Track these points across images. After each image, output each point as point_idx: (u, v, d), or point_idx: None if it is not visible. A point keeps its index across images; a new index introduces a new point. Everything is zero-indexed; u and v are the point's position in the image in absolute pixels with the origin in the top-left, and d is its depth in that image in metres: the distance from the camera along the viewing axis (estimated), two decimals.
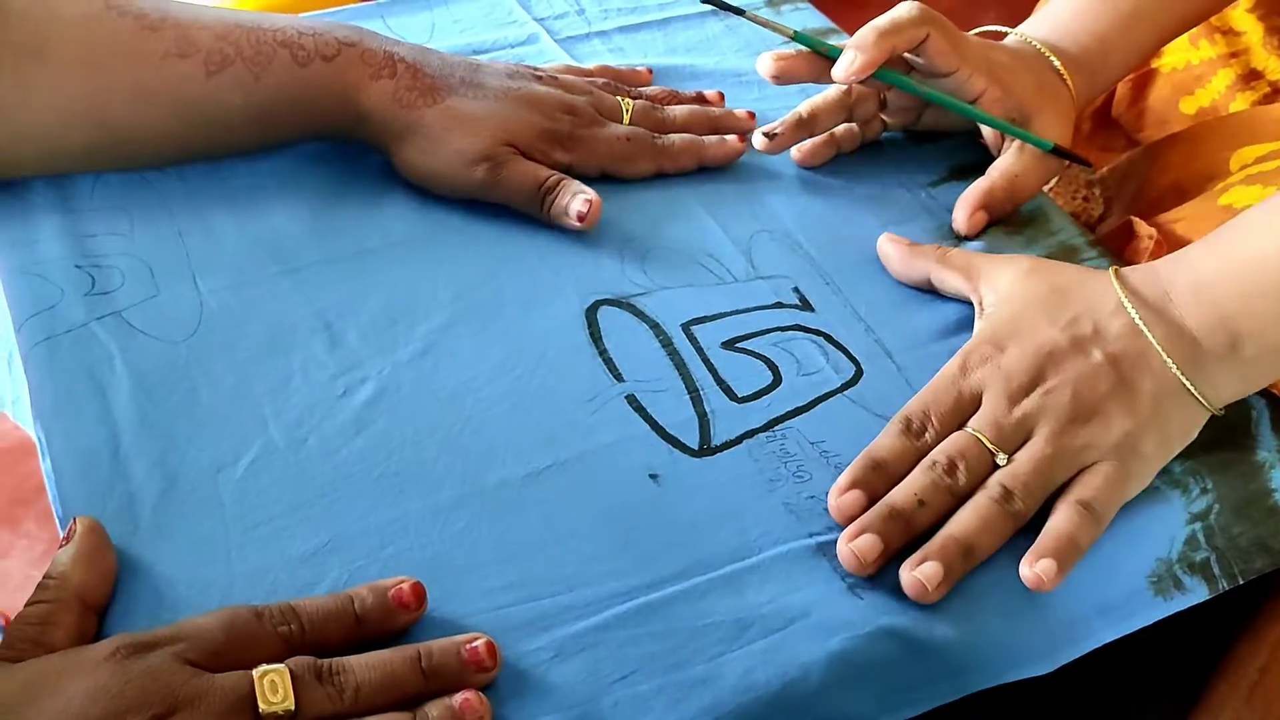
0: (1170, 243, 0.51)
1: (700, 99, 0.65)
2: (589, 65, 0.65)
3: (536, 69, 0.61)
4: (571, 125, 0.57)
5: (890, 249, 0.56)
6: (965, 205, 0.58)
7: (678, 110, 0.62)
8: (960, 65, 0.57)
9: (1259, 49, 0.68)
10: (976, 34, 0.61)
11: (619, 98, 0.61)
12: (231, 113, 0.53)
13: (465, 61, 0.57)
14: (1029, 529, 0.44)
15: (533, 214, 0.55)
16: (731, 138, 0.60)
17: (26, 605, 0.36)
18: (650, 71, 0.67)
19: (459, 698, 0.36)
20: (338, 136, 0.56)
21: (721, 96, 0.65)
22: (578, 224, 0.54)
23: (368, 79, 0.54)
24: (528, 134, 0.55)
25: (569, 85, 0.60)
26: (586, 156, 0.58)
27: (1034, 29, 0.62)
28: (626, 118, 0.60)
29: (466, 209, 0.56)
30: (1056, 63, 0.59)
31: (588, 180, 0.57)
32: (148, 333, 0.48)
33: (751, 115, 0.63)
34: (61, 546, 0.38)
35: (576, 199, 0.54)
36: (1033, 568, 0.42)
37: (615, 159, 0.58)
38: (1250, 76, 0.68)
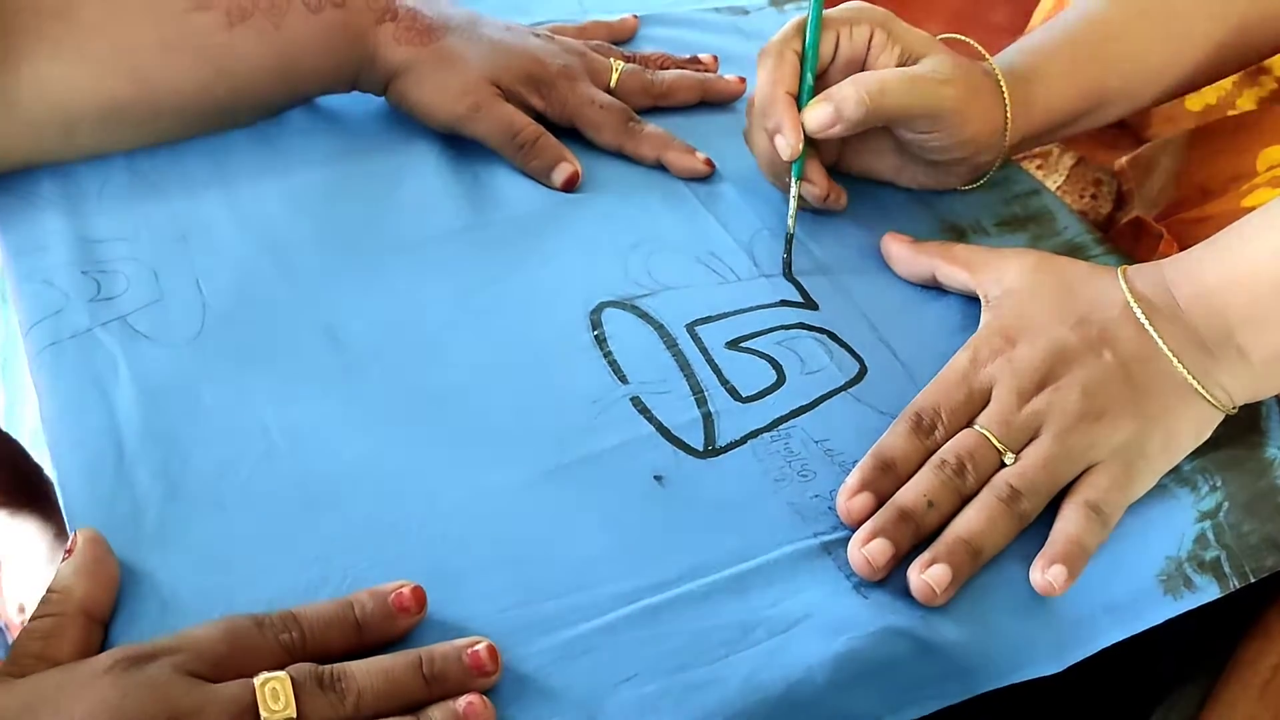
0: (1190, 243, 0.50)
1: (694, 62, 0.66)
2: (583, 22, 0.68)
3: (534, 28, 0.63)
4: (554, 75, 0.59)
5: (894, 246, 0.56)
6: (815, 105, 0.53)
7: (666, 75, 0.64)
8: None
9: None
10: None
11: (611, 59, 0.63)
12: (254, 62, 0.55)
13: (466, 12, 0.60)
14: (1033, 525, 0.44)
15: (505, 157, 0.58)
16: (698, 158, 0.59)
17: (31, 620, 0.36)
18: (636, 18, 0.70)
19: (463, 702, 0.36)
20: (348, 84, 0.59)
21: (715, 60, 0.67)
22: (560, 189, 0.58)
23: (373, 22, 0.57)
24: (510, 75, 0.58)
25: (564, 44, 0.62)
26: (559, 109, 0.60)
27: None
28: (615, 77, 0.62)
29: (470, 211, 0.56)
30: (989, 59, 0.56)
31: (558, 132, 0.59)
32: (151, 337, 0.48)
33: (742, 80, 0.65)
34: (64, 559, 0.38)
35: (560, 168, 0.57)
36: (1044, 574, 0.42)
37: (583, 121, 0.60)
38: (1257, 73, 0.68)
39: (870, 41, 0.54)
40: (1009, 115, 0.56)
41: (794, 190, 0.55)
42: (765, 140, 0.55)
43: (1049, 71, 0.57)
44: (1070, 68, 0.58)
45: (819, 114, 0.53)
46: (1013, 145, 0.57)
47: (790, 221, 0.55)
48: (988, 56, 0.56)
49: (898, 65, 0.54)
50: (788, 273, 0.55)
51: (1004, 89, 0.55)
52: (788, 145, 0.53)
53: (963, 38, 0.57)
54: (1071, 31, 0.58)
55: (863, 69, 0.55)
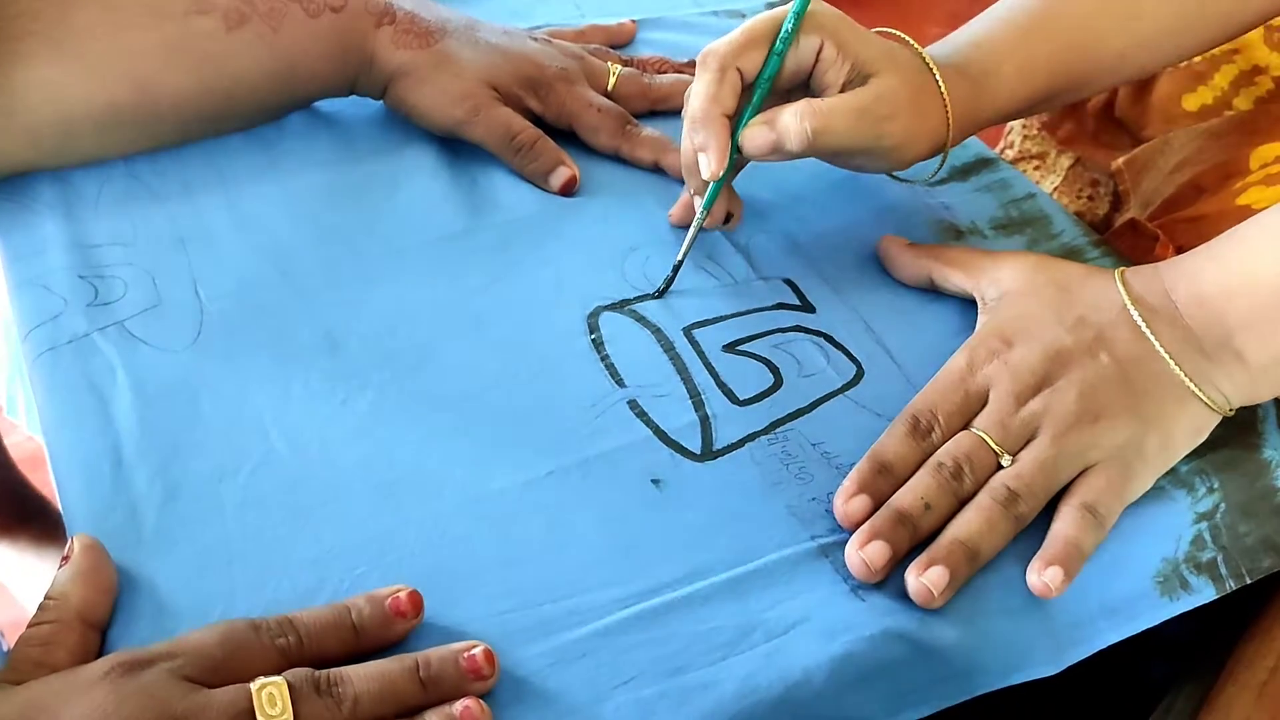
0: (1184, 242, 0.50)
1: (692, 66, 0.67)
2: (580, 27, 0.69)
3: (532, 32, 0.64)
4: (551, 78, 0.60)
5: (891, 249, 0.56)
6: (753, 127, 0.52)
7: (664, 78, 0.64)
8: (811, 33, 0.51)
9: (1259, 45, 0.68)
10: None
11: (608, 63, 0.63)
12: (252, 66, 0.55)
13: (464, 16, 0.61)
14: (1031, 527, 0.44)
15: (503, 160, 0.59)
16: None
17: (28, 627, 0.36)
18: (634, 22, 0.71)
19: (459, 706, 0.36)
20: (347, 88, 0.59)
21: None
22: (558, 193, 0.58)
23: (372, 27, 0.57)
24: (508, 79, 0.59)
25: (562, 47, 0.63)
26: (556, 111, 0.60)
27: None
28: (612, 81, 0.62)
29: (468, 215, 0.56)
30: (928, 60, 0.54)
31: (556, 135, 0.59)
32: (149, 342, 0.48)
33: None
34: (61, 566, 0.38)
35: (558, 172, 0.57)
36: (1040, 576, 0.42)
37: (581, 124, 0.60)
38: (1253, 73, 0.68)
39: (819, 54, 0.51)
40: (950, 124, 0.54)
41: (699, 216, 0.53)
42: (690, 149, 0.53)
43: (1002, 71, 0.55)
44: (1025, 66, 0.56)
45: (758, 139, 0.51)
46: (954, 143, 0.56)
47: (686, 246, 0.53)
48: (931, 65, 0.54)
49: (845, 83, 0.52)
50: (661, 294, 0.53)
51: (947, 103, 0.54)
52: (708, 169, 0.51)
53: (903, 35, 0.55)
54: (1028, 22, 0.56)
55: (809, 82, 0.53)
